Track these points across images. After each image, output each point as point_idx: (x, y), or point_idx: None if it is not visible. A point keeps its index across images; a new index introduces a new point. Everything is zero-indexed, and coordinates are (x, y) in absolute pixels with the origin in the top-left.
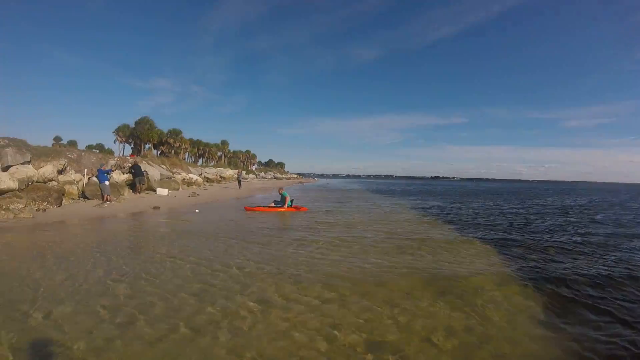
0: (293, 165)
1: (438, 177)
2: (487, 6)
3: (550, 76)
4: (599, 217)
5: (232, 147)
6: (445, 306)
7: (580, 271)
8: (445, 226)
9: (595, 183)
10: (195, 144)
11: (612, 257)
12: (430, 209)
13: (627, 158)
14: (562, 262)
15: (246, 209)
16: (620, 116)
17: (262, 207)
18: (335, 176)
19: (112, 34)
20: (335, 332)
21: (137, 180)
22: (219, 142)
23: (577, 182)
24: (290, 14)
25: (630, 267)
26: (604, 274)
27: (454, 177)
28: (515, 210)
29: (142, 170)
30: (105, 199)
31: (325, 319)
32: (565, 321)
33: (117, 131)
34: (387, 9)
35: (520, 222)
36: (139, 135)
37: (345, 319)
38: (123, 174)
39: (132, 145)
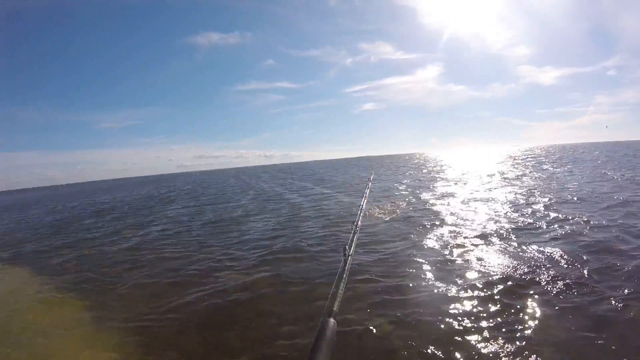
0: None
1: None
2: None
3: (85, 80)
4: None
5: None
6: None
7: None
8: None
9: (128, 179)
10: None
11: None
12: None
13: (154, 154)
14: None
15: None
16: (147, 119)
17: None
18: None
19: None
20: None
21: None
22: None
23: (112, 179)
24: None
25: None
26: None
27: None
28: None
29: None
30: None
31: None
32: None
33: None
34: None
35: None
36: None
37: None
38: None
39: None
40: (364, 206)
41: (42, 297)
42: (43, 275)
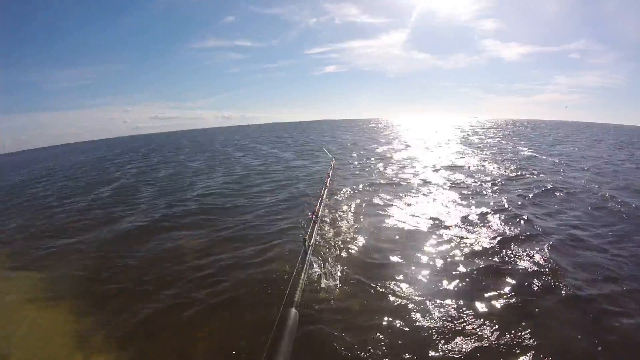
0: None
1: None
2: None
3: (30, 36)
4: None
5: None
6: None
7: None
8: None
9: (80, 143)
10: None
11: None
12: None
13: (107, 116)
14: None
15: None
16: (99, 78)
17: None
18: None
19: None
20: None
21: None
22: None
23: (62, 144)
24: None
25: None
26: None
27: None
28: None
29: None
30: None
31: None
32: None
33: None
34: None
35: None
36: None
37: None
38: None
39: None
40: (324, 195)
41: None
42: None
